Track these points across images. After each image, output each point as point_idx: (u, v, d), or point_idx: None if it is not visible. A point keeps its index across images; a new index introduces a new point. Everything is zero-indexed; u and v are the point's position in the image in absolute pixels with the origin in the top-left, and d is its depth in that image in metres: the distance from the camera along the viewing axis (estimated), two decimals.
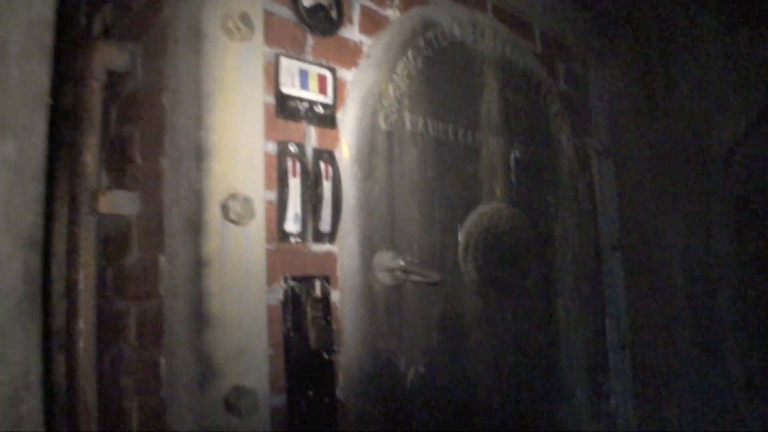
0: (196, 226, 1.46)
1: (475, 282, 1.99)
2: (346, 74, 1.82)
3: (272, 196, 1.60)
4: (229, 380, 1.45)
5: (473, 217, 2.02)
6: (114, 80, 1.77)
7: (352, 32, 1.85)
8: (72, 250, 1.65)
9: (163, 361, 1.51)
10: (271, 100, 1.63)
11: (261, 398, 1.47)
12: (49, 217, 1.73)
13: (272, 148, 1.62)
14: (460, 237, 1.97)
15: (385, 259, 1.72)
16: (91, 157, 1.69)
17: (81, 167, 1.67)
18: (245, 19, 1.53)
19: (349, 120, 1.76)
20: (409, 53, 1.90)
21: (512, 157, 2.22)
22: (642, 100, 2.72)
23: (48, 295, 1.71)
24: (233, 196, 1.48)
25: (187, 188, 1.48)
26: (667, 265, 2.62)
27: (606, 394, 2.47)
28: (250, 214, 1.50)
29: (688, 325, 2.53)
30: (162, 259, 1.55)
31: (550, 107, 2.43)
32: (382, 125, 1.79)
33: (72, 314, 1.62)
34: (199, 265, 1.45)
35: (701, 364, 2.50)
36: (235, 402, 1.41)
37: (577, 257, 2.45)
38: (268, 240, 1.57)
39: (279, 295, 1.58)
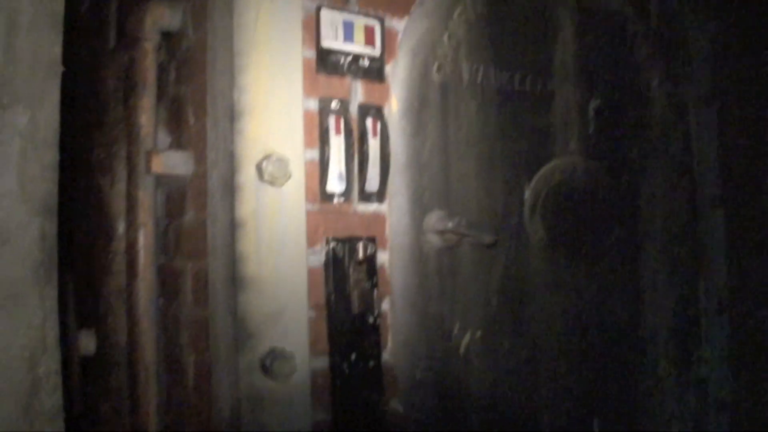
0: (231, 188, 1.44)
1: (544, 243, 1.86)
2: (398, 24, 1.71)
3: (313, 155, 1.55)
4: (266, 342, 1.45)
5: (542, 172, 1.87)
6: (170, 41, 1.77)
7: None
8: (130, 210, 1.69)
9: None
10: (311, 55, 1.57)
11: (299, 361, 1.45)
12: (112, 179, 1.80)
13: (313, 105, 1.56)
14: (527, 194, 1.83)
15: (435, 219, 1.64)
16: (146, 118, 1.71)
17: (137, 128, 1.70)
18: None
19: (399, 73, 1.66)
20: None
21: (592, 106, 2.02)
22: (747, 42, 2.37)
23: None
24: (268, 157, 1.45)
25: (224, 150, 1.46)
26: None
27: (696, 363, 2.25)
28: (286, 174, 1.46)
29: None
30: (207, 220, 1.56)
31: (639, 50, 2.18)
32: (435, 77, 1.68)
33: (131, 273, 1.67)
34: (234, 227, 1.43)
35: None
36: (270, 364, 1.40)
37: (668, 216, 2.22)
38: (310, 200, 1.53)
39: (321, 257, 1.54)
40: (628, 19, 2.13)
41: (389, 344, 1.62)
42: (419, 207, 1.64)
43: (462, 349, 1.69)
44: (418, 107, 1.65)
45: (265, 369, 1.41)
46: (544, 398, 1.82)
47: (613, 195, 2.03)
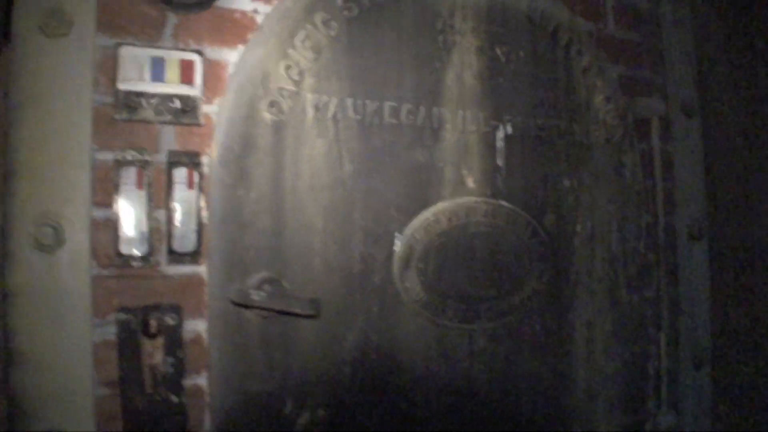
0: (1, 257, 1.30)
1: (422, 302, 1.58)
2: (230, 55, 1.49)
3: (106, 213, 1.38)
4: (44, 424, 1.30)
5: (422, 219, 1.58)
6: None
7: (240, 1, 1.50)
8: None
9: None
10: (108, 99, 1.38)
11: None
12: None
13: (109, 157, 1.38)
14: (398, 246, 1.55)
15: (255, 283, 1.41)
16: None
17: None
18: (59, 11, 1.30)
19: (223, 113, 1.44)
20: (317, 18, 1.50)
21: (500, 134, 1.69)
22: (739, 45, 1.91)
23: None
24: (43, 221, 1.30)
25: None
26: (763, 255, 1.88)
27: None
28: (62, 239, 1.30)
29: None
30: None
31: (575, 61, 1.81)
32: (266, 115, 1.45)
33: None
34: (4, 299, 1.29)
35: None
36: None
37: (616, 257, 1.84)
38: (102, 265, 1.36)
39: (112, 329, 1.37)
40: (561, 24, 1.76)
41: (206, 425, 1.43)
42: (240, 269, 1.43)
43: (297, 431, 1.46)
44: (240, 152, 1.43)
45: None
46: None
47: (530, 239, 1.70)
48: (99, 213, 1.37)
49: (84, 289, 1.34)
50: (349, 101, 1.52)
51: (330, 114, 1.51)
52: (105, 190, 1.38)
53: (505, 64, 1.72)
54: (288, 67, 1.47)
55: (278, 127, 1.46)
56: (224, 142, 1.43)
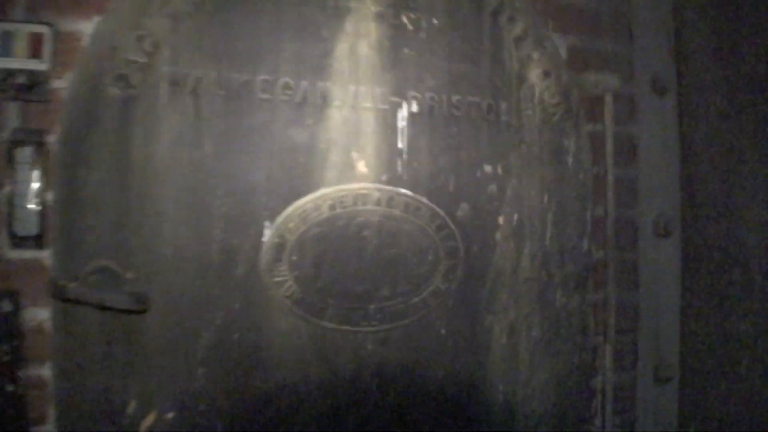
0: None
1: (295, 299, 1.43)
2: (85, 26, 1.38)
3: None
4: None
5: (299, 205, 1.43)
6: None
7: None
8: None
9: None
10: None
11: None
12: None
13: None
14: (267, 236, 1.41)
15: (89, 272, 1.31)
16: None
17: None
18: None
19: (70, 89, 1.34)
20: None
21: (402, 112, 1.50)
22: (724, 9, 1.61)
23: None
24: None
25: None
26: (742, 258, 1.59)
27: None
28: None
29: None
30: None
31: (506, 29, 1.58)
32: (112, 90, 1.33)
33: None
34: None
35: None
36: None
37: (549, 255, 1.61)
38: None
39: None
40: None
41: (50, 418, 1.35)
42: (80, 255, 1.33)
43: None
44: (83, 130, 1.33)
45: None
46: None
47: (437, 233, 1.51)
48: None
49: None
50: (212, 74, 1.38)
51: (189, 88, 1.36)
52: None
53: (413, 32, 1.52)
54: (140, 38, 1.34)
55: (126, 103, 1.34)
56: (68, 119, 1.32)
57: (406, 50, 1.51)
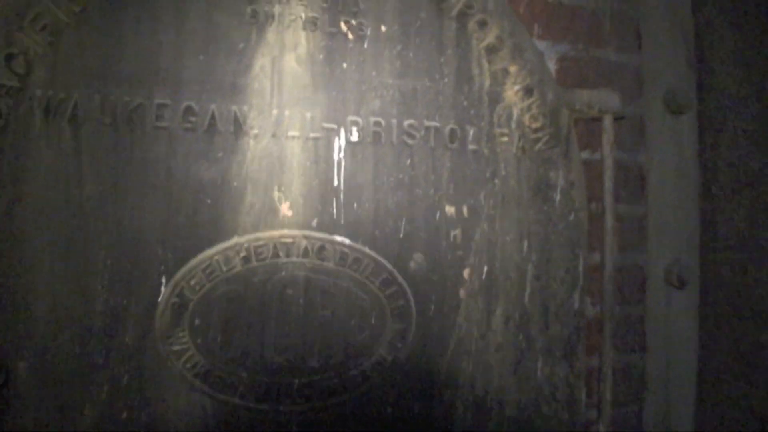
0: None
1: (198, 372, 1.16)
2: None
3: None
4: None
5: (204, 258, 1.16)
6: None
7: None
8: None
9: None
10: None
11: None
12: None
13: None
14: (163, 295, 1.15)
15: None
16: None
17: None
18: None
19: None
20: None
21: (339, 141, 1.22)
22: (753, 13, 1.27)
23: None
24: None
25: None
26: None
27: None
28: None
29: None
30: None
31: (475, 37, 1.28)
32: None
33: None
34: None
35: None
36: None
37: (528, 315, 1.30)
38: None
39: None
40: None
41: None
42: None
43: None
44: None
45: None
46: None
47: (383, 290, 1.23)
48: None
49: None
50: (96, 98, 1.13)
51: (67, 116, 1.11)
52: None
53: (355, 42, 1.23)
54: (10, 57, 1.10)
55: None
56: None
57: (344, 65, 1.22)
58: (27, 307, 1.12)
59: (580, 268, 1.35)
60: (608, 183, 1.35)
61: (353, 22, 1.24)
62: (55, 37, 1.13)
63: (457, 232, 1.28)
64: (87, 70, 1.13)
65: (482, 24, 1.30)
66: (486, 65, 1.30)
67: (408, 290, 1.25)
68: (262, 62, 1.20)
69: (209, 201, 1.17)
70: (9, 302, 1.11)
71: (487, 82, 1.30)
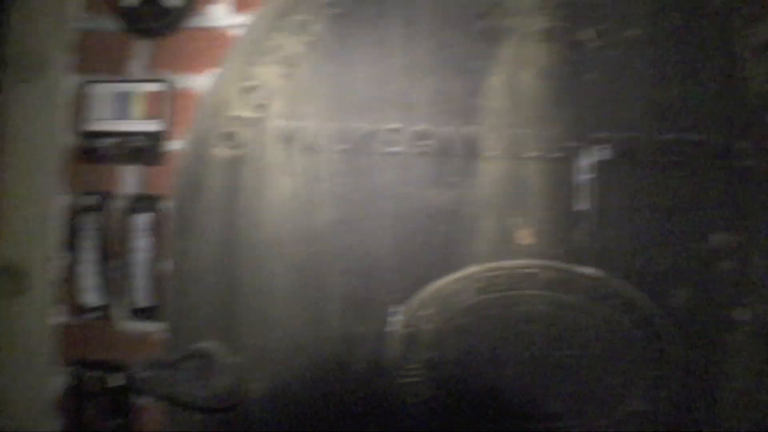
0: None
1: (434, 409, 1.11)
2: (199, 81, 1.26)
3: (65, 261, 1.28)
4: None
5: (438, 287, 1.12)
6: None
7: (214, 17, 1.26)
8: None
9: None
10: (73, 141, 1.29)
11: None
12: None
13: (70, 201, 1.29)
14: (394, 325, 1.12)
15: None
16: None
17: None
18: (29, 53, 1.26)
19: (182, 151, 1.23)
20: (294, 21, 1.17)
21: (584, 161, 1.11)
22: None
23: None
24: (4, 269, 1.26)
25: None
26: None
27: None
28: (20, 287, 1.25)
29: None
30: None
31: (745, 33, 1.10)
32: (218, 151, 1.17)
33: None
34: None
35: None
36: None
37: None
38: (70, 312, 1.28)
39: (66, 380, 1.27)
40: None
41: None
42: (192, 334, 1.17)
43: None
44: (192, 196, 1.18)
45: None
46: None
47: (636, 330, 1.08)
48: (60, 261, 1.26)
49: (44, 337, 1.23)
50: (331, 126, 1.13)
51: (303, 145, 1.14)
52: (65, 237, 1.26)
53: (598, 51, 1.10)
54: (249, 89, 1.15)
55: (233, 166, 1.15)
56: (179, 184, 1.19)
57: (587, 76, 1.10)
58: (263, 332, 1.13)
59: None
60: None
61: (596, 29, 1.11)
62: (291, 67, 1.14)
63: (728, 263, 1.07)
64: (321, 98, 1.13)
65: (750, 19, 1.09)
66: (757, 67, 1.09)
67: (668, 331, 1.07)
68: (495, 79, 1.12)
69: (442, 227, 1.11)
70: (245, 325, 1.13)
71: (760, 87, 1.09)
